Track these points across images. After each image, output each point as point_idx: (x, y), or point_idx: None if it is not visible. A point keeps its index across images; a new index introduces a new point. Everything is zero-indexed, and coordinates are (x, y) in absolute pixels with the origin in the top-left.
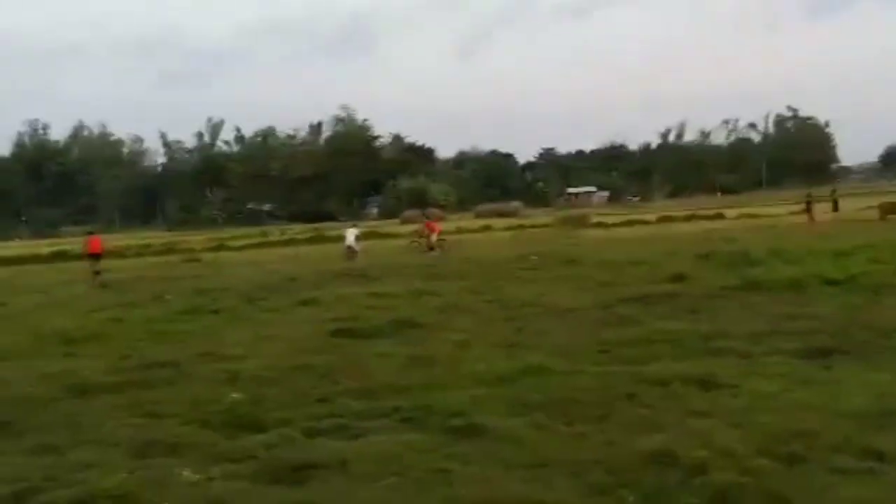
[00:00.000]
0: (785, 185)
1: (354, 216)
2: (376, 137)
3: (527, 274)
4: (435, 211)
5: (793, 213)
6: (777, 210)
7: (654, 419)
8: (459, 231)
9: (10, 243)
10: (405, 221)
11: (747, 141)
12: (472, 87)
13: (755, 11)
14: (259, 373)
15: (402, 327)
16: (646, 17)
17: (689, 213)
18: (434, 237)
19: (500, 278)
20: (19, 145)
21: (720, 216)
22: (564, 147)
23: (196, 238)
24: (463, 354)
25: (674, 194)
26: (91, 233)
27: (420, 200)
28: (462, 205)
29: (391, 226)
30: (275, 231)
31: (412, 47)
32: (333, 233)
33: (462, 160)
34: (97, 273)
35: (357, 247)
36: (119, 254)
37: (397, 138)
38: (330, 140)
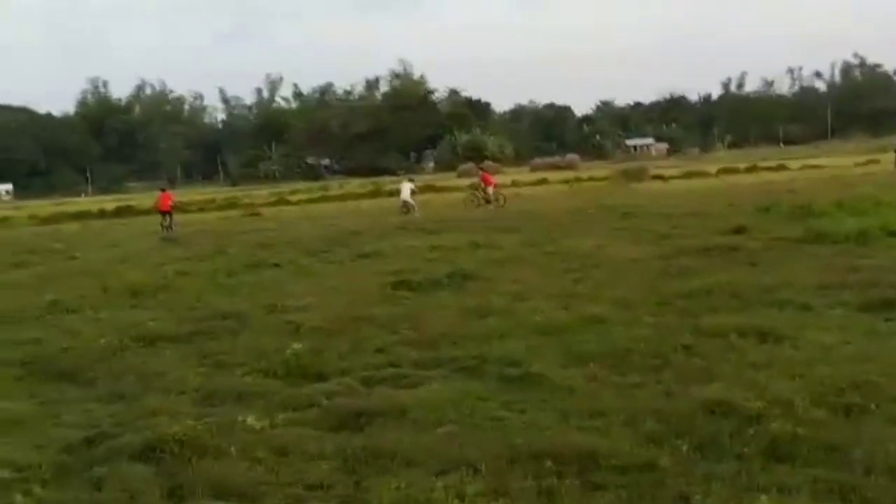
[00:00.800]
0: (852, 136)
1: (411, 170)
2: (432, 92)
3: (585, 227)
4: (491, 164)
5: (858, 165)
6: (843, 161)
7: (710, 370)
8: (515, 184)
9: (78, 199)
10: (461, 175)
11: (812, 90)
12: (529, 39)
13: None
14: (320, 324)
15: (460, 279)
16: None
17: (750, 164)
18: (491, 190)
19: (558, 231)
20: (83, 103)
21: (783, 167)
22: (622, 99)
23: (257, 193)
24: (520, 306)
25: (735, 145)
26: (164, 189)
27: (476, 154)
28: (519, 158)
29: (448, 179)
30: (334, 185)
31: None
32: (391, 187)
33: (519, 114)
34: (168, 227)
35: (413, 201)
36: (182, 209)
37: (453, 92)
38: (387, 95)
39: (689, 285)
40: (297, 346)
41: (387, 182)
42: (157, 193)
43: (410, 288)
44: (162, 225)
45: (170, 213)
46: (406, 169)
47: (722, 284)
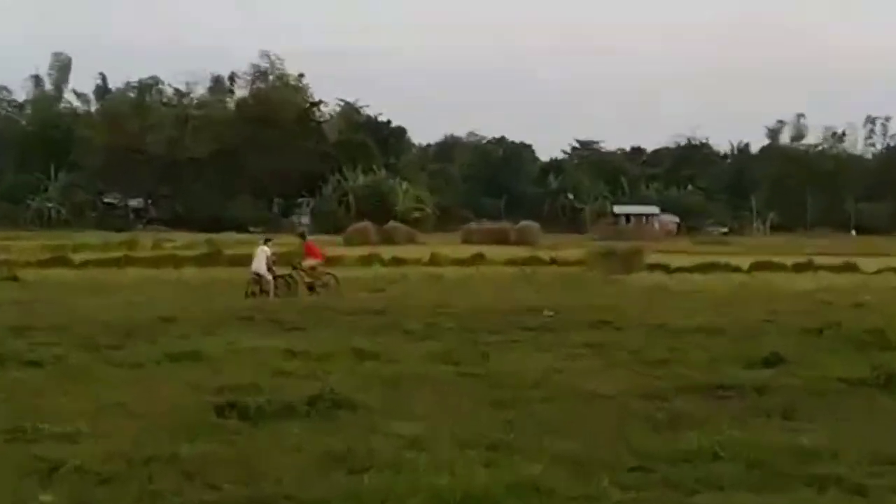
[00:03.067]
0: None
1: (273, 227)
2: (316, 104)
3: (535, 337)
4: (364, 226)
5: None
6: None
7: None
8: (433, 262)
9: None
10: (351, 239)
11: None
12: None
13: None
14: (92, 465)
15: (326, 407)
16: None
17: (802, 258)
18: (311, 266)
19: (492, 340)
20: None
21: (851, 267)
22: (613, 140)
23: (19, 244)
24: (417, 457)
25: (782, 227)
26: None
27: (377, 208)
28: (445, 219)
29: (330, 244)
30: (144, 241)
31: None
32: (237, 251)
33: (449, 149)
34: None
35: (269, 276)
36: None
37: (349, 109)
38: (244, 104)
39: (685, 442)
40: (46, 498)
41: (231, 242)
42: None
43: (245, 415)
44: None
45: None
46: (265, 224)
47: (737, 445)
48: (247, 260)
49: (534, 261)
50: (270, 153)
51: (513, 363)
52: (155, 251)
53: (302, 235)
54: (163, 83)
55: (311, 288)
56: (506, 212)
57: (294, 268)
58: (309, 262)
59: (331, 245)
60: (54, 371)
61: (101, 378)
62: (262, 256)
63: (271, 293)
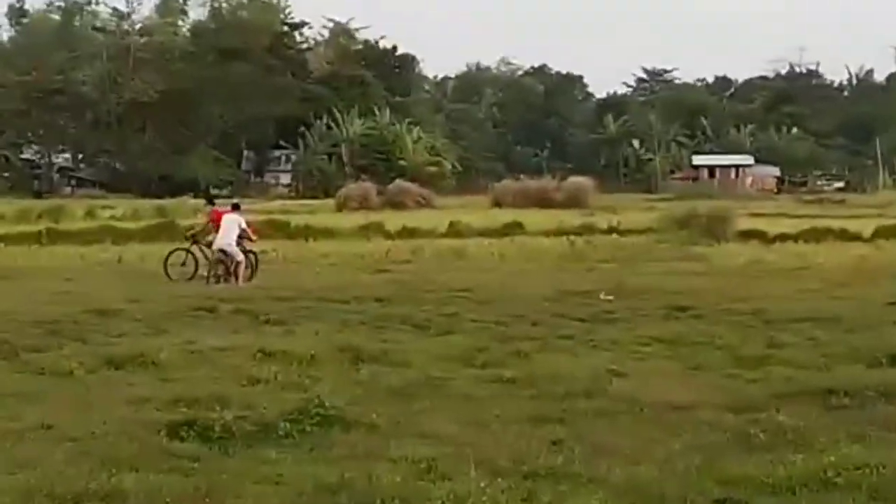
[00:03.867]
0: None
1: (241, 187)
2: (296, 27)
3: (588, 330)
4: (363, 186)
5: None
6: None
7: None
8: (453, 232)
9: None
10: (346, 203)
11: None
12: None
13: None
14: None
15: (313, 425)
16: None
17: None
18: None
19: (531, 335)
20: None
21: None
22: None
23: None
24: (431, 489)
25: None
26: None
27: (381, 162)
28: (468, 176)
29: (320, 210)
30: (74, 210)
31: None
32: (196, 220)
33: (473, 83)
34: None
35: (238, 252)
36: None
37: (340, 32)
38: (202, 29)
39: (785, 468)
40: None
41: (186, 210)
42: None
43: (207, 437)
44: None
45: None
46: (232, 185)
47: (853, 469)
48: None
49: (586, 229)
50: (237, 93)
51: (559, 365)
52: (87, 222)
53: (210, 201)
54: (97, 2)
55: (218, 278)
56: (549, 165)
57: (194, 243)
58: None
59: (322, 211)
60: None
61: (18, 391)
62: (230, 227)
63: (240, 276)
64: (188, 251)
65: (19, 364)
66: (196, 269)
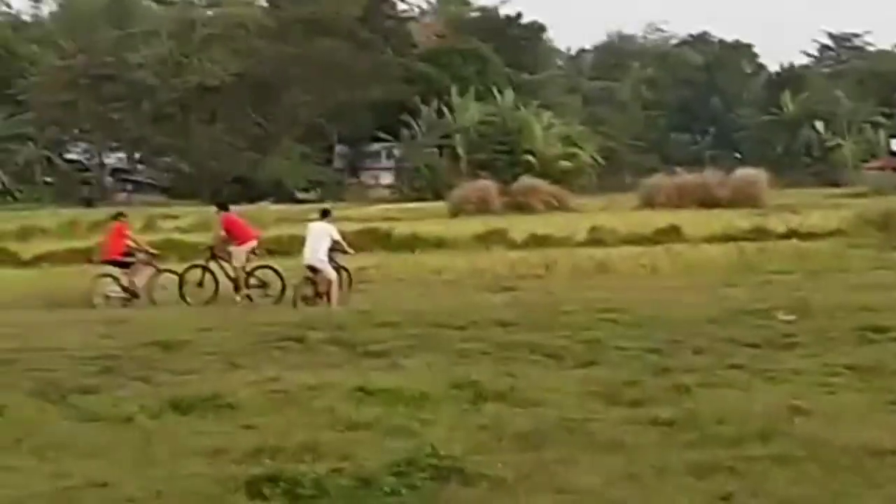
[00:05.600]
0: None
1: (332, 190)
2: None
3: (762, 357)
4: (482, 185)
5: None
6: None
7: None
8: (594, 240)
9: None
10: (460, 207)
11: None
12: None
13: None
14: None
15: (425, 479)
16: None
17: None
18: (240, 256)
19: (692, 366)
20: None
21: None
22: (886, 34)
23: None
24: None
25: None
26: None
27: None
28: (612, 169)
29: (429, 215)
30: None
31: None
32: (279, 231)
33: (615, 55)
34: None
35: (329, 269)
36: None
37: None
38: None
39: None
40: None
41: (267, 218)
42: None
43: (295, 495)
44: None
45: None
46: (321, 188)
47: None
48: (294, 247)
49: (759, 233)
50: (325, 75)
51: (728, 402)
52: (147, 235)
53: (221, 206)
54: None
55: (236, 288)
56: (711, 155)
57: (213, 256)
58: (241, 247)
59: (432, 217)
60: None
61: (67, 441)
62: (319, 239)
63: (333, 298)
64: (205, 268)
65: (68, 408)
66: (217, 290)
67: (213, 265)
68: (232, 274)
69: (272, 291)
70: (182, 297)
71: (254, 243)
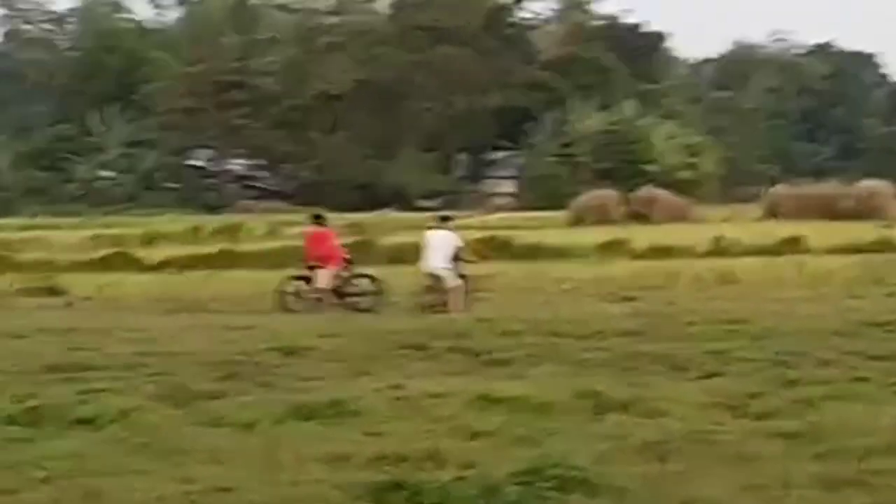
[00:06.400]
0: None
1: (454, 197)
2: (520, 0)
3: (891, 370)
4: (603, 195)
5: None
6: None
7: None
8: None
9: None
10: (582, 215)
11: None
12: None
13: None
14: None
15: (549, 488)
16: None
17: None
18: (327, 276)
19: (818, 378)
20: None
21: None
22: None
23: (62, 236)
24: None
25: None
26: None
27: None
28: (735, 180)
29: (550, 224)
30: (256, 225)
31: None
32: (402, 238)
33: (739, 65)
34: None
35: (452, 276)
36: None
37: (574, 7)
38: (403, 6)
39: None
40: None
41: (389, 226)
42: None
43: (416, 503)
44: None
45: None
46: (443, 195)
47: None
48: (413, 255)
49: (885, 245)
50: (447, 82)
51: (855, 415)
52: (270, 242)
53: (318, 219)
54: None
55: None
56: (835, 165)
57: (310, 268)
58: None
59: (553, 225)
60: (117, 434)
61: (190, 446)
62: (440, 245)
63: (457, 303)
64: (305, 278)
65: (193, 413)
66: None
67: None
68: (314, 291)
69: (370, 300)
70: (284, 306)
71: (338, 268)
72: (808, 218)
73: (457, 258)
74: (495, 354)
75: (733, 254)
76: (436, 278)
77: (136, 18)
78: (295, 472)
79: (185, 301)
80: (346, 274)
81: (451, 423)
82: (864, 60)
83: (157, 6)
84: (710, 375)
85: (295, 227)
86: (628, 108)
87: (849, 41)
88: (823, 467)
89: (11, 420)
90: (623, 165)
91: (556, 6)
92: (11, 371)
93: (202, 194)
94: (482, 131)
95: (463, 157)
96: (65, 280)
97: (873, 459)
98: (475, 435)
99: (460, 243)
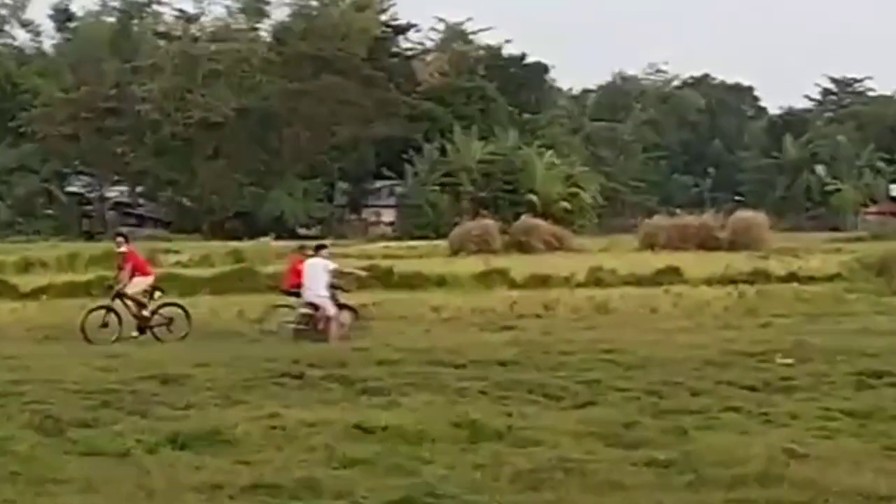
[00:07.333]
0: None
1: (333, 227)
2: (401, 31)
3: (761, 401)
4: (484, 225)
5: None
6: None
7: None
8: (594, 280)
9: None
10: (462, 245)
11: None
12: None
13: None
14: None
15: None
16: None
17: None
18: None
19: (691, 407)
20: None
21: None
22: (887, 79)
23: None
24: None
25: None
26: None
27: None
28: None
29: (431, 253)
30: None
31: None
32: (281, 267)
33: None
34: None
35: (330, 305)
36: None
37: (455, 35)
38: (285, 34)
39: None
40: None
41: (269, 254)
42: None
43: None
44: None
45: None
46: (323, 224)
47: None
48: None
49: (759, 276)
50: (328, 111)
51: (725, 444)
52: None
53: (123, 237)
54: (159, 2)
55: (141, 330)
56: (712, 197)
57: (118, 295)
58: (137, 285)
59: (433, 255)
60: None
61: (64, 475)
62: (316, 273)
63: (333, 332)
64: (108, 308)
65: (66, 442)
66: (120, 330)
67: (117, 304)
68: (133, 310)
69: (178, 328)
70: (85, 337)
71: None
72: (685, 248)
73: (336, 287)
74: (372, 383)
75: (610, 284)
76: (314, 307)
77: (15, 44)
78: (169, 501)
79: (61, 329)
80: (153, 305)
81: (326, 452)
82: (743, 93)
83: (33, 32)
84: (584, 405)
85: (172, 256)
86: (509, 137)
87: (727, 73)
88: (694, 496)
89: None
90: (504, 195)
91: (438, 36)
92: None
93: (80, 221)
94: (364, 160)
95: (344, 185)
96: None
97: (743, 488)
98: (351, 463)
99: (333, 268)
